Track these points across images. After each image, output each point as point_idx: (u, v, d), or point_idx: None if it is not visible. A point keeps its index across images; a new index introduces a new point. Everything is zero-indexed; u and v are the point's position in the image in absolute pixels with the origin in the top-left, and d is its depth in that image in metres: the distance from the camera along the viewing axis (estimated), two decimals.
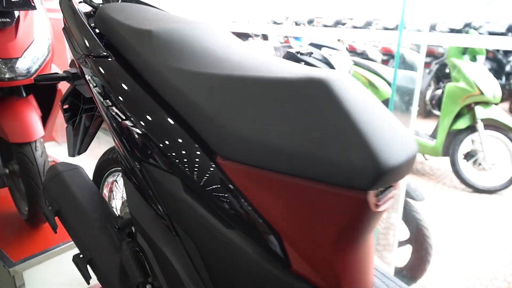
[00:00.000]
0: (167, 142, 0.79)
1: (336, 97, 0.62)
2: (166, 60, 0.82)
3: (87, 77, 0.95)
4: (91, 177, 1.32)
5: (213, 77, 0.76)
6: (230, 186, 0.73)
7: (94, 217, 1.10)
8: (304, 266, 0.71)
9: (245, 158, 0.69)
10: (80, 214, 1.11)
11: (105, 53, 0.89)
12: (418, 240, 1.86)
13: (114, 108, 0.86)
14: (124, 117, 0.84)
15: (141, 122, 0.82)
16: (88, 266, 1.09)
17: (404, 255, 1.96)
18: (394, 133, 0.64)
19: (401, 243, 1.93)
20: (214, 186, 0.75)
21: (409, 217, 1.87)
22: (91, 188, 1.18)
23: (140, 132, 0.82)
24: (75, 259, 1.10)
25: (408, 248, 1.92)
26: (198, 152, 0.75)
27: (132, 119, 0.83)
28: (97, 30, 1.00)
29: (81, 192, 1.15)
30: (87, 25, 0.97)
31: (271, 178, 0.67)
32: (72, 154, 1.37)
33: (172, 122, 0.79)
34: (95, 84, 0.92)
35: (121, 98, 0.85)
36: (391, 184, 0.65)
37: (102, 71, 0.88)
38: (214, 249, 0.77)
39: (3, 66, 1.66)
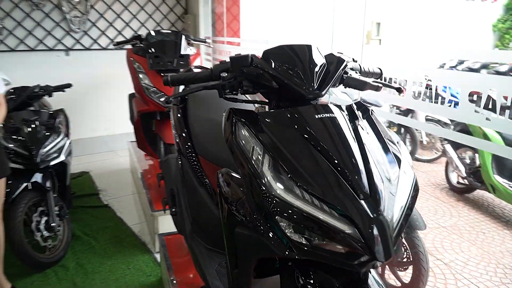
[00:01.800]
0: (185, 147, 1.79)
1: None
2: (196, 110, 1.82)
3: (170, 111, 2.03)
4: None
5: (204, 119, 1.73)
6: (200, 168, 1.69)
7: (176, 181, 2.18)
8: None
9: (206, 156, 1.65)
10: (170, 179, 2.20)
11: (178, 104, 1.95)
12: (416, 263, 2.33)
13: (172, 128, 1.92)
14: (175, 132, 1.88)
15: (179, 136, 1.84)
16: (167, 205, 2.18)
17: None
18: None
19: (405, 264, 2.41)
20: (197, 167, 1.71)
21: (411, 243, 2.36)
22: None
23: (178, 140, 1.85)
24: (163, 200, 2.19)
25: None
26: (193, 152, 1.73)
27: (177, 133, 1.86)
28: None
29: (174, 168, 2.24)
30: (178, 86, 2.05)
31: (211, 166, 1.61)
32: None
33: (188, 138, 1.78)
34: (171, 116, 1.98)
35: (174, 124, 1.89)
36: None
37: (173, 110, 1.95)
38: (195, 195, 1.73)
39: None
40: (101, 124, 5.25)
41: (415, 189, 1.04)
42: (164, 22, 5.46)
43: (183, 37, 3.18)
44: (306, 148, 0.99)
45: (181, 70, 3.04)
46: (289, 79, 1.08)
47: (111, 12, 5.09)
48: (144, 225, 3.33)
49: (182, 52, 3.07)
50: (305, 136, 1.01)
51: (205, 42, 3.62)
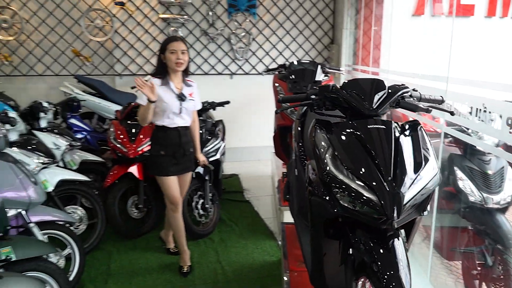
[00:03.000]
0: (299, 151, 2.40)
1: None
2: (310, 123, 2.42)
3: (293, 125, 2.66)
4: None
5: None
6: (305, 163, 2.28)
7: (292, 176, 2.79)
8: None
9: (310, 156, 2.24)
10: (289, 176, 2.83)
11: (299, 118, 2.56)
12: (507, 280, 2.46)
13: (293, 137, 2.54)
14: (294, 140, 2.51)
15: (297, 143, 2.45)
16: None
17: None
18: None
19: (500, 280, 2.54)
20: (305, 166, 2.31)
21: (505, 261, 2.50)
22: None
23: (295, 146, 2.46)
24: (284, 191, 2.83)
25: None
26: (304, 154, 2.33)
27: (295, 141, 2.48)
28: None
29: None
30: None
31: None
32: None
33: (302, 145, 2.38)
34: (293, 128, 2.61)
35: (294, 134, 2.51)
36: None
37: (295, 124, 2.57)
38: (301, 185, 2.33)
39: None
40: (250, 136, 6.20)
41: (435, 180, 1.46)
42: (312, 51, 6.20)
43: (319, 66, 3.81)
44: (356, 146, 1.51)
45: None
46: (353, 101, 1.61)
47: (268, 43, 6.05)
48: (274, 220, 4.03)
49: (317, 78, 3.70)
50: (357, 138, 1.52)
51: (338, 70, 4.19)
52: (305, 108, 2.61)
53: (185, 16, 5.63)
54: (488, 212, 2.60)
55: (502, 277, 2.54)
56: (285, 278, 2.52)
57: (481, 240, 2.65)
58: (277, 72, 4.15)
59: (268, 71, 4.28)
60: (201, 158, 3.15)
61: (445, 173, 2.87)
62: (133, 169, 3.62)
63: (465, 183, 2.71)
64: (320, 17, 6.11)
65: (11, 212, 2.47)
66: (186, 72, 2.97)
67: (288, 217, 3.45)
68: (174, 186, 2.99)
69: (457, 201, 2.76)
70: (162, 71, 2.87)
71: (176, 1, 5.53)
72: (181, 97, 2.87)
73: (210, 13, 5.72)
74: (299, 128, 2.53)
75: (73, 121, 4.59)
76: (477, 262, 2.67)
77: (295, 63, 3.94)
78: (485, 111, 2.05)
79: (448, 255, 2.95)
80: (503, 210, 2.62)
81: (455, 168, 2.81)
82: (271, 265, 3.22)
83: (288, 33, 6.06)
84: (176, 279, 3.04)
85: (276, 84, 3.88)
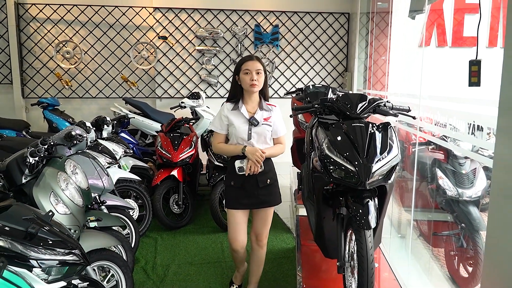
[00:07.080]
0: (309, 152, 3.13)
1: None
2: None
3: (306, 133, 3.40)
4: None
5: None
6: None
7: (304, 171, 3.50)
8: None
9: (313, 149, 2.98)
10: (303, 173, 3.54)
11: (311, 127, 3.30)
12: (475, 258, 3.07)
13: (305, 143, 3.28)
14: (306, 146, 3.24)
15: (308, 147, 3.18)
16: None
17: None
18: None
19: (471, 259, 3.15)
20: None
21: (473, 241, 3.12)
22: None
23: (307, 149, 3.20)
24: (298, 187, 3.54)
25: None
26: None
27: (306, 146, 3.21)
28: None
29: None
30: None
31: None
32: None
33: (311, 147, 3.12)
34: (306, 135, 3.35)
35: (306, 141, 3.25)
36: None
37: (307, 132, 3.30)
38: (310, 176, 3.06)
39: None
40: None
41: (395, 159, 2.16)
42: (328, 78, 6.99)
43: (330, 89, 4.57)
44: (343, 137, 2.23)
45: None
46: (342, 108, 2.35)
47: (289, 71, 6.88)
48: (291, 219, 4.72)
49: None
50: (345, 132, 2.25)
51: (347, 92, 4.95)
52: (315, 120, 3.35)
53: (217, 48, 6.54)
54: (462, 203, 3.24)
55: (473, 255, 3.16)
56: (297, 251, 3.22)
57: (456, 226, 3.28)
58: (295, 95, 4.93)
59: (287, 93, 5.06)
60: (253, 150, 2.59)
61: (428, 174, 3.55)
62: (175, 172, 4.41)
63: (444, 181, 3.37)
64: (335, 48, 6.93)
65: None
66: (264, 95, 2.74)
67: (301, 212, 4.16)
68: (237, 225, 2.73)
69: (438, 195, 3.42)
70: (237, 94, 2.68)
71: (210, 35, 6.46)
72: (252, 122, 2.64)
73: (239, 45, 6.61)
74: (310, 138, 3.27)
75: (123, 135, 5.45)
76: (455, 245, 3.29)
77: (310, 87, 4.72)
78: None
79: (433, 242, 3.57)
80: (475, 202, 3.25)
81: (437, 169, 3.46)
82: (287, 250, 3.90)
83: (306, 62, 6.89)
84: (210, 257, 3.77)
85: (295, 104, 4.64)
